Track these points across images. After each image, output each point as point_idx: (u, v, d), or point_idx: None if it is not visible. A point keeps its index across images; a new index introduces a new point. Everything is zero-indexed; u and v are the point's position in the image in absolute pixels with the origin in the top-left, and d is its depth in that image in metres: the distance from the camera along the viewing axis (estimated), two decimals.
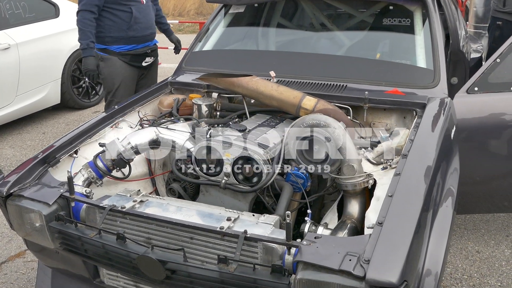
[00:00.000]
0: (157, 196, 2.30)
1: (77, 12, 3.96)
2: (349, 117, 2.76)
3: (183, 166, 2.47)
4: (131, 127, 2.93)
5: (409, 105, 2.73)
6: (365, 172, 2.23)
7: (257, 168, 2.26)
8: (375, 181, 2.23)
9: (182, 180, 2.42)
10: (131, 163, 2.55)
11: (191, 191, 2.51)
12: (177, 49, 4.82)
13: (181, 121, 2.76)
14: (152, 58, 4.43)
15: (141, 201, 2.21)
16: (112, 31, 4.10)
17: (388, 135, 2.63)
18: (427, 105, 2.65)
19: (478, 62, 4.37)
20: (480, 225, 3.64)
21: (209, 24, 3.77)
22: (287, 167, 2.38)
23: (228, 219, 1.99)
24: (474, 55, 4.44)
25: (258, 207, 2.43)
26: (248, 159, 2.27)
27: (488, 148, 2.96)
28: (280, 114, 2.90)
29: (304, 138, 2.22)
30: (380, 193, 2.15)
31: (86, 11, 3.92)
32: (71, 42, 6.24)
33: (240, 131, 2.52)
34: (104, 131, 2.80)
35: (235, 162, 2.28)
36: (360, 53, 3.44)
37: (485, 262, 3.21)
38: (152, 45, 4.40)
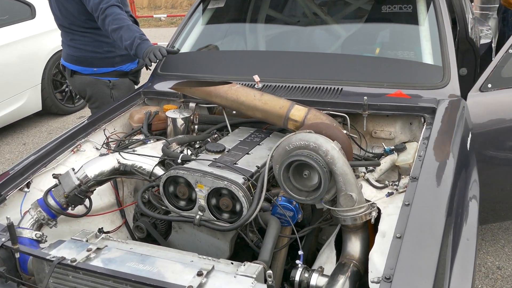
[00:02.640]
0: (119, 240, 1.90)
1: (104, 9, 2.94)
2: (347, 125, 2.36)
3: (151, 198, 2.07)
4: (97, 148, 2.53)
5: (416, 110, 2.31)
6: (367, 202, 1.83)
7: (236, 202, 1.86)
8: (379, 211, 1.83)
9: (149, 216, 2.03)
10: (93, 194, 2.16)
11: (162, 228, 2.12)
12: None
13: (151, 142, 2.35)
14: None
15: (98, 249, 1.82)
16: (122, 47, 3.05)
17: (393, 147, 2.22)
18: (437, 110, 2.24)
19: (488, 49, 3.94)
20: (499, 235, 3.24)
21: (186, 22, 3.34)
22: (274, 197, 1.98)
23: (199, 274, 1.60)
24: (483, 40, 4.01)
25: (243, 241, 2.04)
26: (225, 191, 1.88)
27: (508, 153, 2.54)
28: (266, 126, 2.49)
29: (291, 163, 1.81)
30: (385, 228, 1.75)
31: (115, 6, 2.91)
32: (50, 44, 5.84)
33: (217, 152, 2.12)
34: (63, 157, 2.41)
35: (210, 194, 1.89)
36: (357, 47, 3.02)
37: (508, 281, 2.82)
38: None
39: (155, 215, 2.00)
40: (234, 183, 1.85)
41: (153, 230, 2.07)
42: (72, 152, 2.45)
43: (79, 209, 2.16)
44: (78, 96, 6.38)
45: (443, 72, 2.46)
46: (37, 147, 5.31)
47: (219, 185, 1.86)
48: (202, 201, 1.91)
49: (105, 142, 2.49)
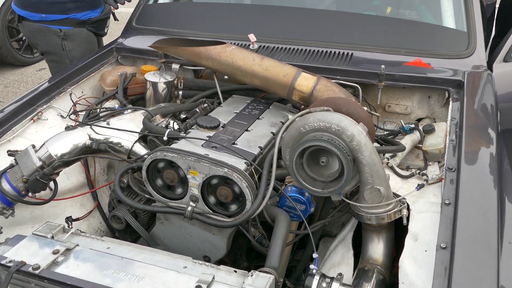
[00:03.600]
0: (92, 237, 1.54)
1: None
2: (357, 97, 2.03)
3: (131, 182, 1.71)
4: (62, 116, 2.12)
5: (438, 82, 2.00)
6: (396, 197, 1.52)
7: (237, 192, 1.52)
8: (408, 206, 1.54)
9: (129, 205, 1.67)
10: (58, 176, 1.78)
11: (144, 218, 1.77)
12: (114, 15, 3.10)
13: (128, 112, 1.95)
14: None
15: (67, 250, 1.46)
16: None
17: (412, 125, 1.91)
18: (464, 83, 1.93)
19: (492, 10, 3.63)
20: None
21: None
22: (282, 185, 1.66)
23: None
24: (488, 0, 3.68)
25: (241, 236, 1.72)
26: (224, 180, 1.53)
27: None
28: (263, 94, 2.12)
29: (306, 149, 1.47)
30: (417, 229, 1.47)
31: None
32: None
33: (210, 128, 1.75)
34: (21, 126, 1.99)
35: (205, 183, 1.54)
36: (360, 6, 2.64)
37: None
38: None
39: (136, 204, 1.64)
40: (235, 170, 1.50)
41: (133, 220, 1.72)
42: (32, 120, 2.04)
43: (42, 192, 1.78)
44: None
45: (468, 39, 2.14)
46: None
47: (217, 172, 1.51)
48: (195, 190, 1.57)
49: (72, 110, 2.08)
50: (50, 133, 1.96)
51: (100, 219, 2.03)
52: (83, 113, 2.07)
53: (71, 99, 2.15)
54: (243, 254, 1.86)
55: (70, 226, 1.71)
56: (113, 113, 1.99)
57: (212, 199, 1.59)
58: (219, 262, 1.61)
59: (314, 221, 1.75)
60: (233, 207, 1.58)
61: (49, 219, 1.90)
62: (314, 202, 1.62)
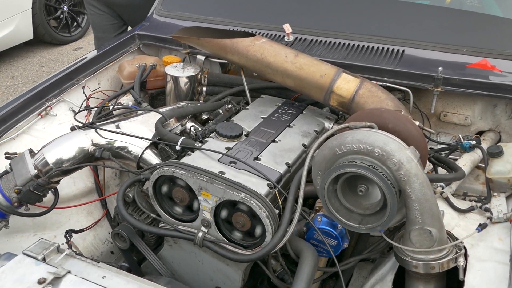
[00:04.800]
0: (88, 261, 1.33)
1: None
2: (407, 103, 1.72)
3: (137, 197, 1.48)
4: (73, 111, 1.92)
5: (508, 90, 1.65)
6: (451, 240, 1.22)
7: (257, 221, 1.27)
8: (465, 252, 1.23)
9: (133, 226, 1.44)
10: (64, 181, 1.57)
11: (151, 238, 1.55)
12: None
13: (140, 115, 1.72)
14: None
15: (56, 278, 1.25)
16: None
17: (473, 140, 1.59)
18: None
19: None
20: None
21: None
22: (310, 213, 1.39)
23: None
24: None
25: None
26: (241, 206, 1.28)
27: None
28: (296, 94, 1.84)
29: (341, 175, 1.19)
30: (476, 283, 1.17)
31: None
32: None
33: (231, 138, 1.49)
34: (26, 122, 1.80)
35: (219, 207, 1.29)
36: None
37: None
38: None
39: (140, 224, 1.41)
40: (255, 195, 1.25)
41: (139, 240, 1.50)
42: (40, 116, 1.84)
43: (46, 198, 1.57)
44: (75, 24, 5.66)
45: None
46: (27, 82, 4.69)
47: (232, 197, 1.26)
48: (207, 214, 1.32)
49: (83, 105, 1.87)
50: (60, 131, 1.77)
51: (109, 228, 1.83)
52: (96, 109, 1.85)
53: (83, 93, 1.94)
54: (265, 281, 1.62)
55: (69, 242, 1.51)
56: (126, 113, 1.76)
57: (227, 226, 1.34)
58: None
59: (347, 256, 1.48)
60: (250, 236, 1.33)
61: (52, 228, 1.73)
62: (348, 237, 1.34)
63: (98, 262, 1.34)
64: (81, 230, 1.64)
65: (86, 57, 2.09)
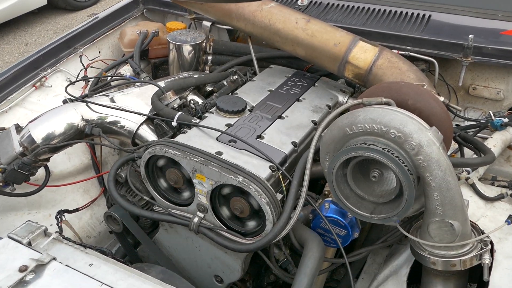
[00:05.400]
0: (76, 246, 1.23)
1: None
2: (431, 74, 1.55)
3: (130, 178, 1.37)
4: (70, 81, 1.80)
5: None
6: (476, 234, 1.08)
7: (256, 207, 1.14)
8: (492, 246, 1.09)
9: (124, 208, 1.33)
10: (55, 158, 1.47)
11: (146, 221, 1.44)
12: None
13: (138, 84, 1.59)
14: None
15: (39, 266, 1.16)
16: None
17: (505, 118, 1.41)
18: None
19: None
20: None
21: None
22: (317, 199, 1.26)
23: None
24: None
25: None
26: (239, 190, 1.15)
27: None
28: (309, 65, 1.69)
29: (352, 158, 1.05)
30: (503, 283, 1.02)
31: None
32: None
33: (232, 113, 1.36)
34: (20, 94, 1.69)
35: (215, 191, 1.17)
36: None
37: None
38: None
39: (132, 207, 1.30)
40: (254, 179, 1.12)
41: (133, 223, 1.39)
42: (34, 87, 1.74)
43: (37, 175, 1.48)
44: None
45: None
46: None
47: (229, 181, 1.13)
48: (203, 198, 1.20)
49: (80, 77, 1.75)
50: (56, 103, 1.65)
51: (106, 208, 1.73)
52: (92, 81, 1.73)
53: (81, 62, 1.82)
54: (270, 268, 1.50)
55: (60, 223, 1.42)
56: (123, 84, 1.63)
57: (225, 211, 1.23)
58: None
59: (359, 245, 1.35)
60: (251, 224, 1.22)
61: (47, 206, 1.65)
62: (359, 226, 1.21)
63: (86, 248, 1.25)
64: (76, 210, 1.55)
65: (85, 23, 1.96)
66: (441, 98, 1.25)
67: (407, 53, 1.55)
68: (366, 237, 1.39)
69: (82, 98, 1.46)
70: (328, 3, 1.78)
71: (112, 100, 1.48)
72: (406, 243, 1.31)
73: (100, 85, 1.67)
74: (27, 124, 1.38)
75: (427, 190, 1.04)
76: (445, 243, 1.05)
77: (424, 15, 1.64)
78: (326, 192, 1.29)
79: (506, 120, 1.41)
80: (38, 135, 1.34)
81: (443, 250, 1.07)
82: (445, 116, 1.15)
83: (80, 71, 1.80)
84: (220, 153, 1.19)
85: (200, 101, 1.56)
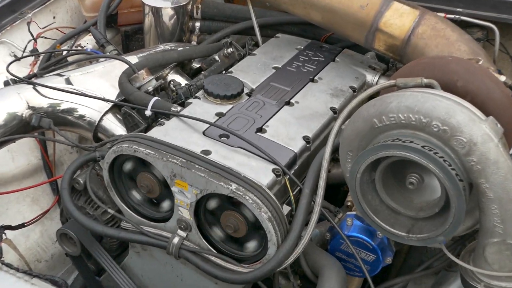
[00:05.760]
0: (19, 275, 1.24)
1: None
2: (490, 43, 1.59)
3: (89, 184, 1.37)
4: (15, 56, 1.86)
5: None
6: None
7: (255, 223, 1.16)
8: None
9: (82, 224, 1.33)
10: None
11: (112, 243, 1.45)
12: None
13: (102, 60, 1.60)
14: None
15: None
16: None
17: None
18: None
19: None
20: None
21: None
22: (337, 213, 1.25)
23: None
24: None
25: None
26: (231, 201, 1.15)
27: None
28: (327, 34, 1.75)
29: (381, 159, 1.04)
30: None
31: None
32: None
33: (225, 98, 1.37)
34: None
35: (201, 203, 1.16)
36: None
37: None
38: None
39: (93, 224, 1.31)
40: (251, 188, 1.11)
41: (95, 244, 1.39)
42: None
43: None
44: None
45: None
46: None
47: (219, 189, 1.12)
48: (184, 212, 1.19)
49: (29, 48, 1.78)
50: None
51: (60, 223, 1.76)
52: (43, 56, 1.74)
53: (29, 31, 1.86)
54: None
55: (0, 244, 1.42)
56: (83, 60, 1.64)
57: (215, 230, 1.22)
58: None
59: (392, 275, 1.35)
60: (251, 246, 1.23)
61: None
62: (392, 248, 1.21)
63: (33, 277, 1.25)
64: (21, 225, 1.57)
65: None
66: (502, 78, 1.24)
67: (457, 16, 1.60)
68: (403, 263, 1.40)
69: (29, 79, 1.48)
70: None
71: (68, 81, 1.52)
72: (458, 269, 1.32)
73: (53, 61, 1.71)
74: None
75: (482, 201, 1.04)
76: (507, 272, 1.07)
77: None
78: (348, 204, 1.31)
79: None
80: None
81: (504, 281, 1.09)
82: (506, 102, 1.15)
83: (28, 42, 1.84)
84: (207, 152, 1.21)
85: (183, 82, 1.58)
